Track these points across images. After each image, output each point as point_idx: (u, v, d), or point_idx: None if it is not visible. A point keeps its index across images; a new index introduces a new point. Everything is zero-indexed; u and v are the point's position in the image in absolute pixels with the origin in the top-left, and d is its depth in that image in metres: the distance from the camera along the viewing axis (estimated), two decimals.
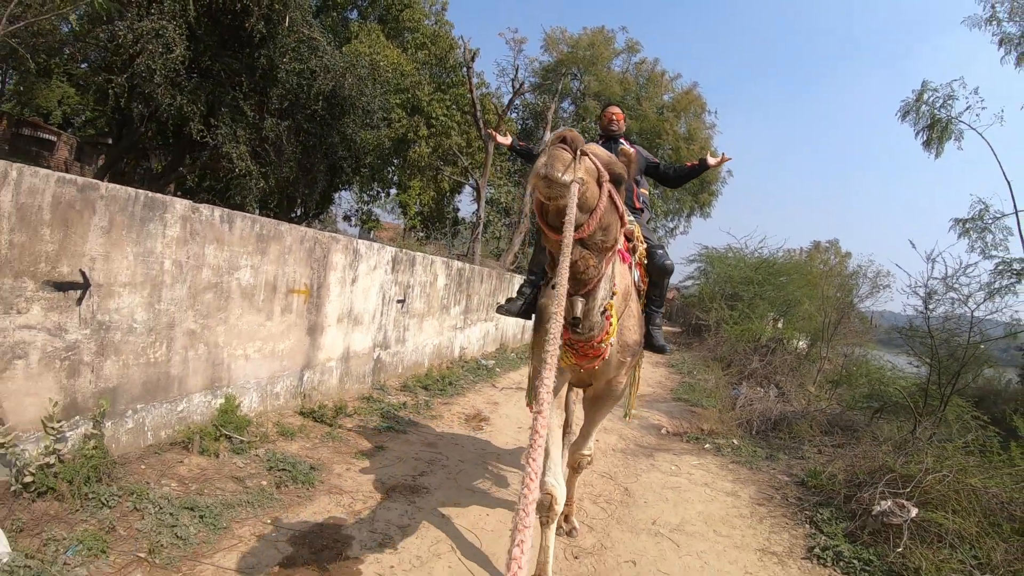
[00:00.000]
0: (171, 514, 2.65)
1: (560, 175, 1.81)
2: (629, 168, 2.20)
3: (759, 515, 4.08)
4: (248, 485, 3.16)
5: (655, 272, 3.22)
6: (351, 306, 5.42)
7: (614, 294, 2.40)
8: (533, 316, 3.10)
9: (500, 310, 3.31)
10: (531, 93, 20.58)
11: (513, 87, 15.07)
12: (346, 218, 19.22)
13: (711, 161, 3.84)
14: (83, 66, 11.36)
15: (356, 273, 5.44)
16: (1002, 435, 5.75)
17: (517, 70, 16.93)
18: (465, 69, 13.92)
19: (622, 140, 3.79)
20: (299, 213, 15.11)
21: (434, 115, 15.90)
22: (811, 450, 6.14)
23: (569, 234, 1.61)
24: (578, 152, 1.87)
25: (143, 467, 3.08)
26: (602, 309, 2.30)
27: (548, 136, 2.05)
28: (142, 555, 2.35)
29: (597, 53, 22.62)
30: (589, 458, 3.27)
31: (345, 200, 19.27)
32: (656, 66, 24.49)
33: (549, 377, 1.15)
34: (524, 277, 3.55)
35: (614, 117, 3.87)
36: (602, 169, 1.99)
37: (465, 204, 20.40)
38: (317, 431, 4.29)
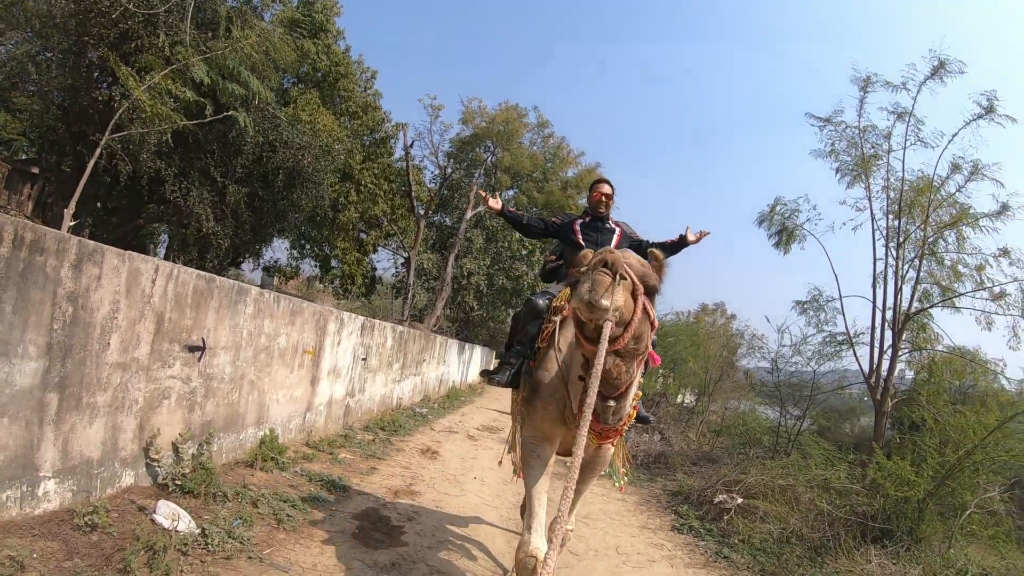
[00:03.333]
0: (275, 504, 4.01)
1: (602, 300, 1.98)
2: (661, 275, 2.35)
3: (641, 510, 5.96)
4: (303, 490, 4.53)
5: None
6: (336, 362, 6.81)
7: (640, 384, 2.60)
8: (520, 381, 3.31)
9: (491, 382, 3.44)
10: (452, 167, 22.65)
11: (443, 175, 17.16)
12: (266, 268, 19.92)
13: (691, 238, 3.80)
14: (30, 91, 10.98)
15: (340, 337, 6.87)
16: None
17: (445, 173, 18.90)
18: (402, 149, 15.78)
19: (610, 220, 3.80)
20: (215, 263, 15.84)
21: (363, 182, 17.42)
22: (682, 475, 8.19)
23: (600, 362, 1.90)
24: (617, 276, 2.05)
25: (229, 477, 4.38)
26: (632, 403, 2.53)
27: (587, 255, 2.27)
28: (274, 524, 3.73)
29: (511, 129, 25.04)
30: (571, 532, 3.65)
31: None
32: (563, 143, 27.50)
33: (571, 484, 1.61)
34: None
35: (603, 198, 3.75)
36: (637, 283, 2.13)
37: (381, 264, 21.50)
38: (324, 457, 5.65)
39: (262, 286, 19.67)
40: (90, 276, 3.29)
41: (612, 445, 3.10)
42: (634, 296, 2.15)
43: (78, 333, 3.24)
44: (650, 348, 2.45)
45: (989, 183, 10.92)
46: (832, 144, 12.55)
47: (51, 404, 3.08)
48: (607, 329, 1.97)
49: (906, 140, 11.49)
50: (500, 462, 4.52)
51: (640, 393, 2.74)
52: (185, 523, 3.45)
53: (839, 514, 5.62)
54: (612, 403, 2.36)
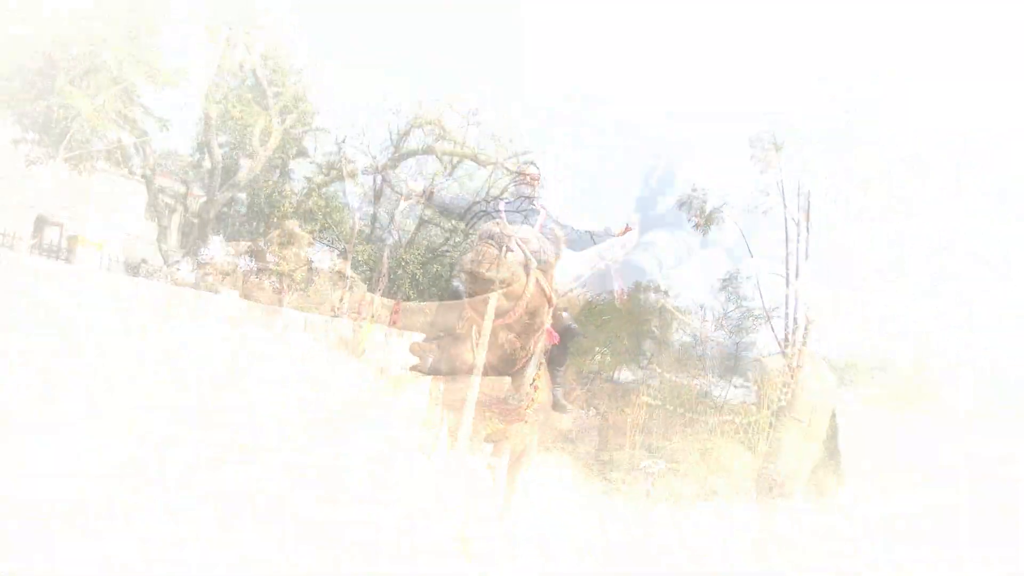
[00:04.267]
0: None
1: (486, 272, 1.98)
2: (559, 250, 2.35)
3: (578, 479, 6.68)
4: None
5: (559, 334, 3.10)
6: (284, 357, 7.11)
7: (541, 365, 2.61)
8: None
9: (414, 368, 3.30)
10: (385, 156, 22.52)
11: (375, 166, 17.34)
12: (200, 266, 19.46)
13: (615, 232, 3.67)
14: None
15: (286, 333, 7.18)
16: None
17: (378, 164, 18.94)
18: (335, 142, 15.76)
19: (535, 203, 3.69)
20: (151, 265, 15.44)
21: (298, 176, 17.24)
22: (614, 446, 8.96)
23: (487, 333, 1.97)
24: (504, 248, 2.04)
25: None
26: (531, 382, 2.53)
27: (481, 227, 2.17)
28: None
29: (443, 115, 24.79)
30: (507, 510, 3.71)
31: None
32: (492, 128, 27.50)
33: (464, 443, 1.81)
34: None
35: (528, 179, 3.72)
36: (530, 258, 2.14)
37: (318, 257, 21.04)
38: None
39: (196, 285, 19.36)
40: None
41: (524, 430, 3.04)
42: (527, 270, 2.19)
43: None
44: (547, 325, 2.48)
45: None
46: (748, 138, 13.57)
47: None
48: (493, 301, 2.03)
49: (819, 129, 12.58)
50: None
51: (540, 374, 2.75)
52: None
53: (749, 472, 6.51)
54: (509, 381, 2.38)
